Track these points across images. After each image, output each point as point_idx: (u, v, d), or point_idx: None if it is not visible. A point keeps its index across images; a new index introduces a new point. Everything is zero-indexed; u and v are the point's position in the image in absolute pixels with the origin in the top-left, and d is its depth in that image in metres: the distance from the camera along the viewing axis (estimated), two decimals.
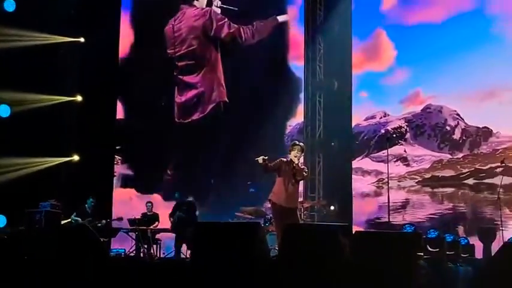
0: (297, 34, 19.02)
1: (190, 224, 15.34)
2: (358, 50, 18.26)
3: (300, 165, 11.40)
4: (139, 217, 16.09)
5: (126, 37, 18.48)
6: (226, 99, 18.30)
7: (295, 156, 11.20)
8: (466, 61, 16.28)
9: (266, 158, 10.97)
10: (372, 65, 18.13)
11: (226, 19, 18.32)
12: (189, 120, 18.44)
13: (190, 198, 16.17)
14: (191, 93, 18.54)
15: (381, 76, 17.92)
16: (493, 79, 15.95)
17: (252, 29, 18.49)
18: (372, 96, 18.14)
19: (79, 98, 17.50)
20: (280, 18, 18.69)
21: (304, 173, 11.41)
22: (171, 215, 15.85)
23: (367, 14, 18.24)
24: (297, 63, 18.81)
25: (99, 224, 15.23)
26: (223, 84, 18.37)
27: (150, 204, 16.49)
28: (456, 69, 16.45)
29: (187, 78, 18.55)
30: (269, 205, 12.05)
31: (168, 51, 18.45)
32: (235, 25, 18.35)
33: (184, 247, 15.06)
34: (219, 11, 18.47)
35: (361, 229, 15.14)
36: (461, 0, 16.83)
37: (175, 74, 18.52)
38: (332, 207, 17.03)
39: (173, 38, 18.59)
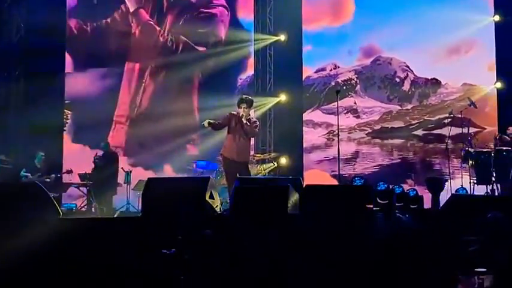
0: None
1: (112, 175, 15.38)
2: (315, 3, 18.19)
3: (251, 119, 11.48)
4: (90, 172, 16.02)
5: None
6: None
7: (244, 111, 11.29)
8: (422, 18, 16.39)
9: (212, 121, 11.11)
10: (327, 18, 18.06)
11: None
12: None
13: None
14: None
15: (334, 29, 17.91)
16: (445, 34, 16.16)
17: None
18: (322, 49, 18.11)
19: None
20: None
21: (256, 130, 11.50)
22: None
23: None
24: (246, 17, 18.64)
25: (48, 179, 15.15)
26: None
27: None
28: (411, 25, 16.57)
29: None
30: (220, 158, 12.16)
31: None
32: None
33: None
34: None
35: (312, 182, 15.22)
36: None
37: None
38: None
39: None
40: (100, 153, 15.91)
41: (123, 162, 16.87)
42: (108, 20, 18.41)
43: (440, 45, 16.30)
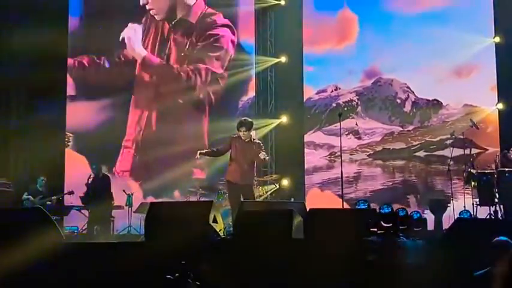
0: (246, 10, 18.80)
1: (104, 198, 15.15)
2: (320, 25, 18.22)
3: (254, 141, 11.48)
4: (83, 195, 15.94)
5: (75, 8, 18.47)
6: None
7: (243, 134, 11.31)
8: (423, 40, 16.42)
9: (204, 151, 11.26)
10: (329, 40, 18.08)
11: None
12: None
13: (105, 172, 16.13)
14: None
15: (335, 51, 17.93)
16: (446, 56, 16.21)
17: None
18: (323, 70, 18.12)
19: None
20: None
21: (265, 158, 11.44)
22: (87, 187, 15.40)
23: None
24: (247, 39, 18.67)
25: (49, 202, 15.18)
26: None
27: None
28: (413, 47, 16.61)
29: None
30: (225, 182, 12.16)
31: None
32: None
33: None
34: None
35: (314, 203, 15.19)
36: None
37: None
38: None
39: None
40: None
41: (134, 187, 16.93)
42: (119, 53, 18.46)
43: (442, 66, 16.30)
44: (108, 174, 15.66)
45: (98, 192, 15.08)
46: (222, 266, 8.03)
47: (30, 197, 15.23)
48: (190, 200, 15.39)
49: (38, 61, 16.84)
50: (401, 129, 17.15)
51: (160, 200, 16.05)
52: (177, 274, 7.35)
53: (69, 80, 18.17)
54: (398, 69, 17.06)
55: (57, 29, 17.31)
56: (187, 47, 18.30)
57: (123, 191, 16.20)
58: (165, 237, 8.63)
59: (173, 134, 17.68)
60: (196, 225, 8.82)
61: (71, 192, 15.82)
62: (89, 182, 15.19)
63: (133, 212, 15.97)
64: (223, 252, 8.32)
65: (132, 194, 16.29)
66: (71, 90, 18.19)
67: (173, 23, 18.47)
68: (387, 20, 17.21)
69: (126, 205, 16.12)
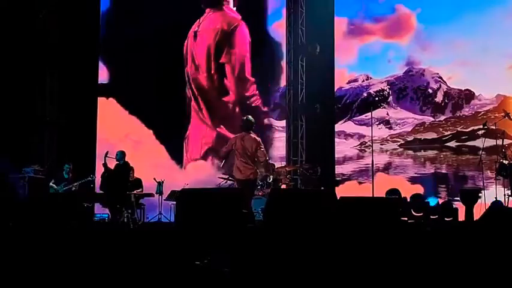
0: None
1: (119, 185, 14.97)
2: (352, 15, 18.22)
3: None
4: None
5: None
6: None
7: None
8: (458, 27, 16.39)
9: None
10: (361, 30, 18.04)
11: None
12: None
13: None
14: None
15: (367, 42, 17.92)
16: (480, 45, 16.09)
17: None
18: (355, 60, 18.10)
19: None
20: None
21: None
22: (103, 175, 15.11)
23: None
24: (278, 28, 18.65)
25: (74, 188, 15.16)
26: None
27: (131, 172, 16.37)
28: (446, 35, 16.53)
29: None
30: None
31: None
32: None
33: None
34: None
35: (344, 193, 15.16)
36: None
37: None
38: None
39: None
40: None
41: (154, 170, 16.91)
42: None
43: (478, 56, 16.14)
44: (129, 163, 15.36)
45: (115, 178, 14.90)
46: (253, 253, 8.02)
47: (54, 185, 15.25)
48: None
49: (71, 50, 16.98)
50: (433, 119, 17.07)
51: None
52: (206, 261, 7.36)
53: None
54: (430, 58, 16.99)
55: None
56: None
57: (154, 179, 16.20)
58: (196, 224, 8.64)
59: None
60: (227, 212, 8.82)
61: (90, 177, 15.70)
62: (106, 171, 15.00)
63: (164, 199, 15.98)
64: (254, 239, 8.31)
65: (162, 182, 16.28)
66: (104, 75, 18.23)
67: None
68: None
69: (156, 193, 16.13)
